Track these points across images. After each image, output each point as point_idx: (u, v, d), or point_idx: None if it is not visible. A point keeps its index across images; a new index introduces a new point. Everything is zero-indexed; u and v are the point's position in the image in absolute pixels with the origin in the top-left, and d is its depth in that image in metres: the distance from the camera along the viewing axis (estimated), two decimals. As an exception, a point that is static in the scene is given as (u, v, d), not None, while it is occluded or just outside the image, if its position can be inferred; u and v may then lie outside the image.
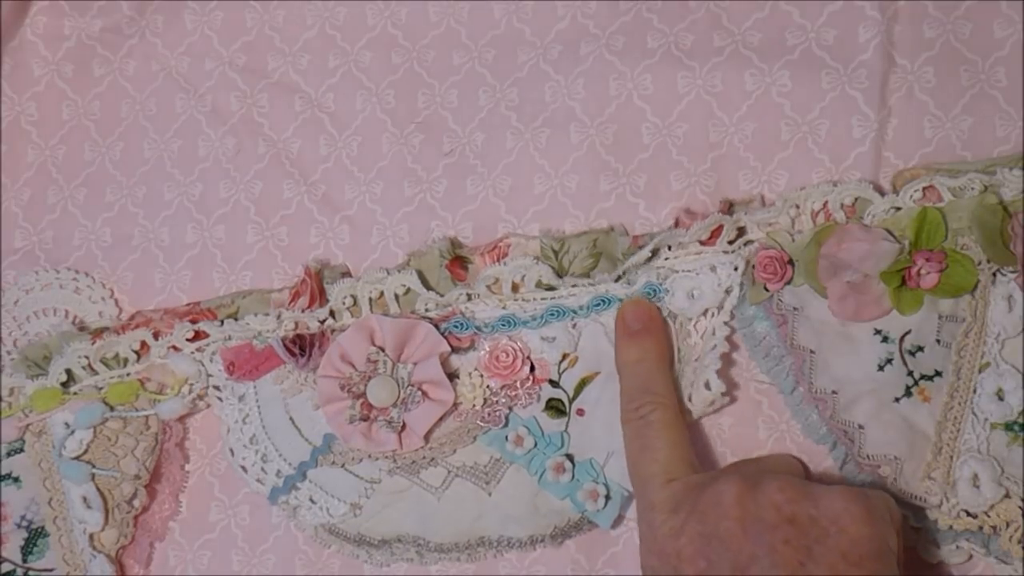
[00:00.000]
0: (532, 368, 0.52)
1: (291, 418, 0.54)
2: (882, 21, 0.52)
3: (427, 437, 0.52)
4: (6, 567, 0.55)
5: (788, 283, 0.50)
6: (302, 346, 0.53)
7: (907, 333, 0.49)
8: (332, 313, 0.54)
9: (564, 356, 0.52)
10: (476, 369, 0.52)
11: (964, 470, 0.47)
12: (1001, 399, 0.48)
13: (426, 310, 0.53)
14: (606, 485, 0.51)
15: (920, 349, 0.49)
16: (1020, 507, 0.47)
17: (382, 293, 0.54)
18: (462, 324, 0.52)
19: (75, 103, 0.61)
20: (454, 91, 0.56)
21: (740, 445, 0.52)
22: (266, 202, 0.58)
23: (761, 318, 0.51)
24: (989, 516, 0.47)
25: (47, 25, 0.61)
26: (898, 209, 0.50)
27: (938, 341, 0.49)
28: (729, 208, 0.52)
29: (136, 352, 0.55)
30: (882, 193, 0.50)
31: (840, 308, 0.49)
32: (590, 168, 0.54)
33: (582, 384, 0.52)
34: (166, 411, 0.55)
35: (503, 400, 0.52)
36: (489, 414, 0.52)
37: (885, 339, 0.49)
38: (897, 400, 0.49)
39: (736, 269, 0.50)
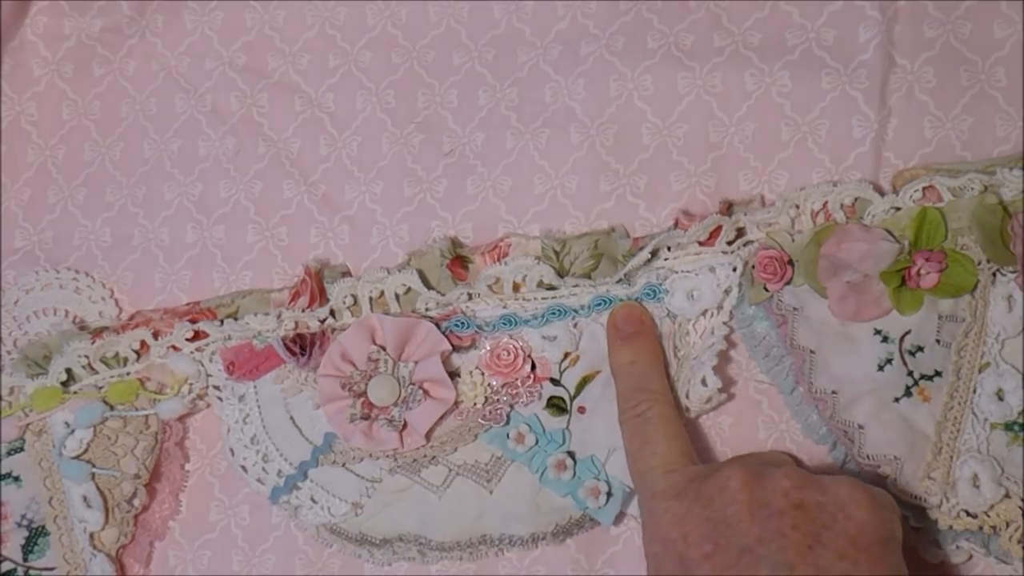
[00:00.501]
0: (533, 366, 0.52)
1: (292, 417, 0.54)
2: (882, 21, 0.52)
3: (428, 436, 0.52)
4: (7, 566, 0.55)
5: (788, 283, 0.50)
6: (302, 345, 0.53)
7: (907, 333, 0.49)
8: (332, 312, 0.54)
9: (565, 355, 0.52)
10: (477, 367, 0.52)
11: (964, 470, 0.48)
12: (1001, 399, 0.48)
13: (427, 309, 0.53)
14: (607, 482, 0.51)
15: (920, 349, 0.49)
16: (1020, 507, 0.47)
17: (382, 292, 0.54)
18: (463, 323, 0.52)
19: (75, 103, 0.61)
20: (454, 91, 0.56)
21: (740, 445, 0.52)
22: (266, 202, 0.58)
23: (761, 318, 0.51)
24: (989, 516, 0.47)
25: (47, 25, 0.61)
26: (898, 209, 0.50)
27: (938, 341, 0.49)
28: (728, 209, 0.52)
29: (136, 352, 0.55)
30: (882, 193, 0.50)
31: (840, 308, 0.49)
32: (590, 168, 0.54)
33: (583, 382, 0.52)
34: (166, 410, 0.55)
35: (504, 398, 0.52)
36: (490, 412, 0.52)
37: (885, 339, 0.49)
38: (897, 400, 0.49)
39: (735, 270, 0.50)
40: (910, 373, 0.49)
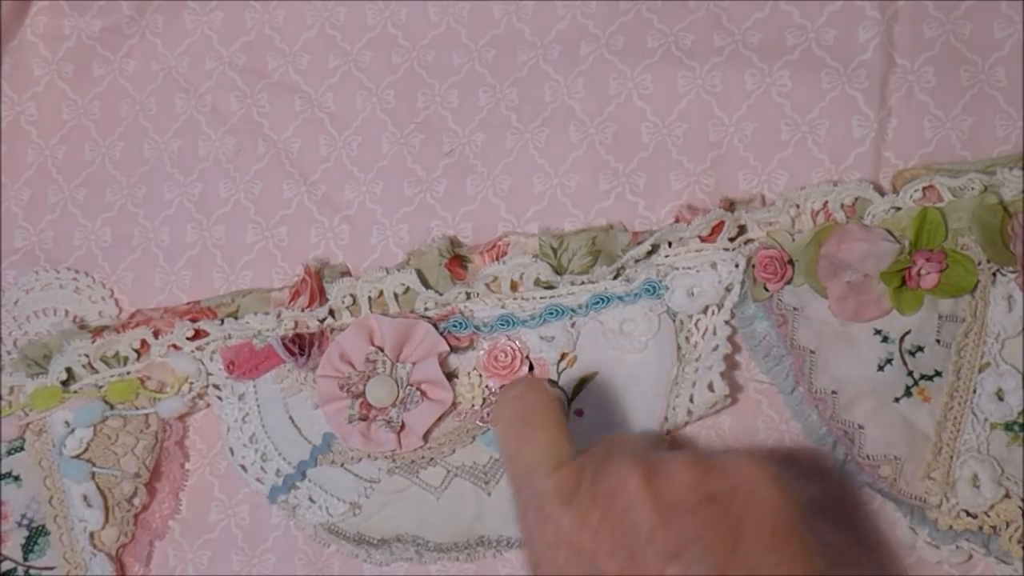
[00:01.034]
0: (531, 368, 0.52)
1: (291, 417, 0.54)
2: (882, 21, 0.52)
3: (426, 437, 0.52)
4: (7, 565, 0.55)
5: (788, 283, 0.50)
6: (301, 345, 0.53)
7: (907, 333, 0.49)
8: (332, 312, 0.54)
9: (563, 356, 0.52)
10: (475, 369, 0.52)
11: (964, 470, 0.48)
12: (1001, 399, 0.48)
13: (425, 309, 0.53)
14: (604, 484, 0.51)
15: (920, 349, 0.49)
16: (1020, 507, 0.47)
17: (381, 292, 0.54)
18: (461, 324, 0.52)
19: (75, 103, 0.61)
20: (454, 91, 0.56)
21: (740, 445, 0.51)
22: (266, 202, 0.58)
23: (761, 318, 0.51)
24: (989, 516, 0.47)
25: (47, 25, 0.61)
26: (898, 209, 0.50)
27: (938, 341, 0.49)
28: (730, 207, 0.52)
29: (136, 351, 0.55)
30: (882, 193, 0.50)
31: (840, 308, 0.49)
32: (590, 167, 0.54)
33: (581, 384, 0.52)
34: (166, 409, 0.55)
35: (502, 400, 0.52)
36: (488, 414, 0.52)
37: (885, 339, 0.49)
38: (897, 400, 0.49)
39: (737, 266, 0.50)
40: (910, 373, 0.49)
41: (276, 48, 0.59)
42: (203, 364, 0.55)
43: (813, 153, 0.52)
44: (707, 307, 0.51)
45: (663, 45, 0.54)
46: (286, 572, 0.55)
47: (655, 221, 0.53)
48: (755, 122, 0.53)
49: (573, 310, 0.52)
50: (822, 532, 0.41)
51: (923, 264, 0.48)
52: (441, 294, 0.53)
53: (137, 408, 0.55)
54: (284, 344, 0.53)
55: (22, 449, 0.56)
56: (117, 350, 0.55)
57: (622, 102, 0.54)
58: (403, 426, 0.52)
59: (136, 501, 0.55)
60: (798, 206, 0.51)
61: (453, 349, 0.52)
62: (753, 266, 0.50)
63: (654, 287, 0.51)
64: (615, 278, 0.51)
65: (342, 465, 0.53)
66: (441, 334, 0.52)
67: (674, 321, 0.51)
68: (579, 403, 0.52)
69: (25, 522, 0.55)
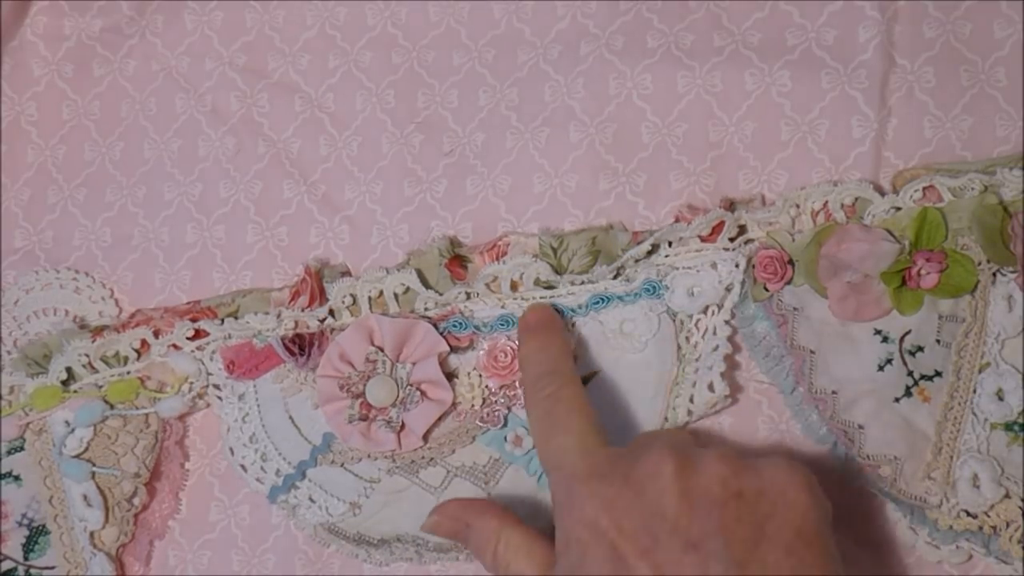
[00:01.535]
0: (531, 368, 0.52)
1: (291, 417, 0.54)
2: (882, 21, 0.52)
3: (426, 437, 0.52)
4: (7, 565, 0.55)
5: (788, 283, 0.50)
6: (301, 345, 0.53)
7: (907, 333, 0.49)
8: (332, 312, 0.54)
9: (563, 355, 0.52)
10: (475, 369, 0.52)
11: (964, 470, 0.47)
12: (1001, 399, 0.48)
13: (425, 309, 0.53)
14: (605, 484, 0.51)
15: (920, 349, 0.49)
16: (1020, 507, 0.47)
17: (381, 292, 0.54)
18: (461, 324, 0.52)
19: (75, 103, 0.61)
20: (454, 91, 0.56)
21: (740, 445, 0.51)
22: (266, 202, 0.58)
23: (761, 318, 0.51)
24: (989, 516, 0.47)
25: (47, 25, 0.61)
26: (898, 209, 0.49)
27: (938, 341, 0.49)
28: (731, 206, 0.52)
29: (136, 350, 0.55)
30: (882, 193, 0.50)
31: (840, 308, 0.49)
32: (590, 167, 0.54)
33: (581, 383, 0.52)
34: (166, 409, 0.55)
35: (502, 400, 0.52)
36: (488, 414, 0.52)
37: (885, 339, 0.49)
38: (897, 400, 0.48)
39: (737, 266, 0.50)
40: (910, 373, 0.49)
41: (276, 48, 0.59)
42: (203, 364, 0.55)
43: (813, 153, 0.52)
44: (707, 307, 0.51)
45: (663, 45, 0.54)
46: (286, 572, 0.55)
47: (655, 221, 0.53)
48: (755, 122, 0.53)
49: (573, 310, 0.52)
50: (838, 556, 0.41)
51: (923, 264, 0.48)
52: (441, 294, 0.53)
53: (137, 408, 0.55)
54: (284, 344, 0.53)
55: (22, 449, 0.56)
56: (117, 350, 0.55)
57: (622, 102, 0.54)
58: (403, 426, 0.52)
59: (136, 501, 0.55)
60: (798, 206, 0.51)
61: (453, 349, 0.52)
62: (753, 266, 0.50)
63: (654, 287, 0.51)
64: (615, 278, 0.51)
65: (342, 465, 0.53)
66: (441, 334, 0.52)
67: (674, 321, 0.51)
68: (579, 403, 0.52)
69: (25, 522, 0.55)
